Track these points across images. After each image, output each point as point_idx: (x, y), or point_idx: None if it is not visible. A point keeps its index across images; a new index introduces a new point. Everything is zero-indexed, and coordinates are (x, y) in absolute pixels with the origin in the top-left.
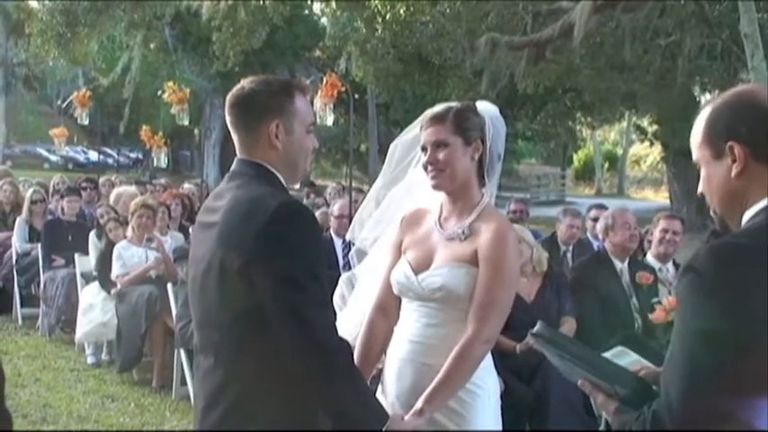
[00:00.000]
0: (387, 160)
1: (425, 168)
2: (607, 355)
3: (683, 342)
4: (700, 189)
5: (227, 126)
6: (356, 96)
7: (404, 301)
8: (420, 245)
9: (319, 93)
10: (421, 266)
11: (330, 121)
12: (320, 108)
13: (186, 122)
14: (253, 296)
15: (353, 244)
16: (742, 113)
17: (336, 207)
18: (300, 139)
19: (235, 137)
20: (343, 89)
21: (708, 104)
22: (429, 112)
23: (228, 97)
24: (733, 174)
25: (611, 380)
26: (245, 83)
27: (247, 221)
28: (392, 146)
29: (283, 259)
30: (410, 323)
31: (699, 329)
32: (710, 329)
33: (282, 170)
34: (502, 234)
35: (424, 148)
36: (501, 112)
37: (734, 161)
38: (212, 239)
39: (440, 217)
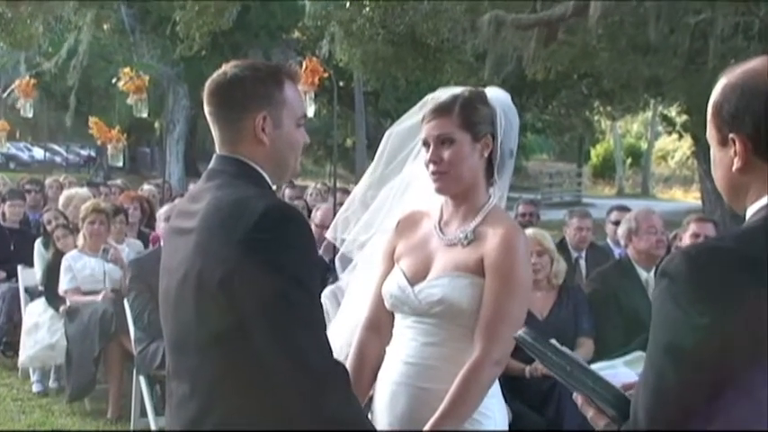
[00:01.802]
0: (378, 153)
1: (427, 166)
2: (626, 359)
3: (652, 358)
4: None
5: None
6: (341, 84)
7: (397, 316)
8: (416, 252)
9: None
10: (417, 276)
11: (311, 112)
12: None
13: (145, 114)
14: (235, 313)
15: (338, 250)
16: (750, 101)
17: (319, 214)
18: (290, 133)
19: (214, 130)
20: (326, 76)
21: (724, 75)
22: (432, 101)
23: (208, 84)
24: (734, 168)
25: (596, 396)
26: (228, 68)
27: (230, 227)
28: (386, 136)
29: (272, 271)
30: (405, 342)
31: (668, 344)
32: (680, 344)
33: (269, 168)
34: (511, 239)
35: (426, 143)
36: None
37: (735, 154)
38: (189, 248)
39: (440, 220)
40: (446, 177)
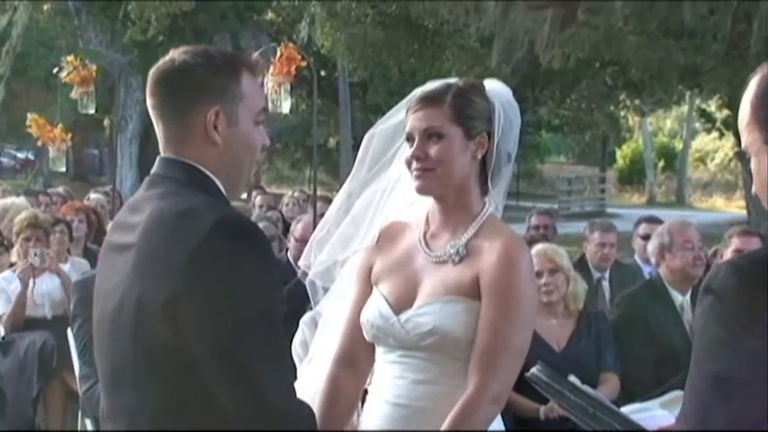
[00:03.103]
0: (359, 158)
1: (409, 164)
2: (662, 400)
3: (695, 391)
4: (753, 188)
5: (148, 115)
6: (322, 74)
7: (380, 349)
8: (398, 272)
9: (271, 69)
10: (402, 302)
11: (286, 107)
12: (273, 90)
13: (92, 111)
14: (181, 345)
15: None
16: None
17: (300, 227)
18: (247, 132)
19: (158, 127)
20: (304, 64)
21: (760, 69)
22: (420, 91)
23: (152, 73)
24: None
25: None
26: (176, 54)
27: (174, 243)
28: (367, 137)
29: (224, 295)
30: (391, 380)
31: (715, 374)
32: (729, 374)
33: (222, 174)
34: (511, 254)
35: (410, 137)
36: (517, 93)
37: None
38: (127, 267)
39: (425, 233)
40: (431, 175)
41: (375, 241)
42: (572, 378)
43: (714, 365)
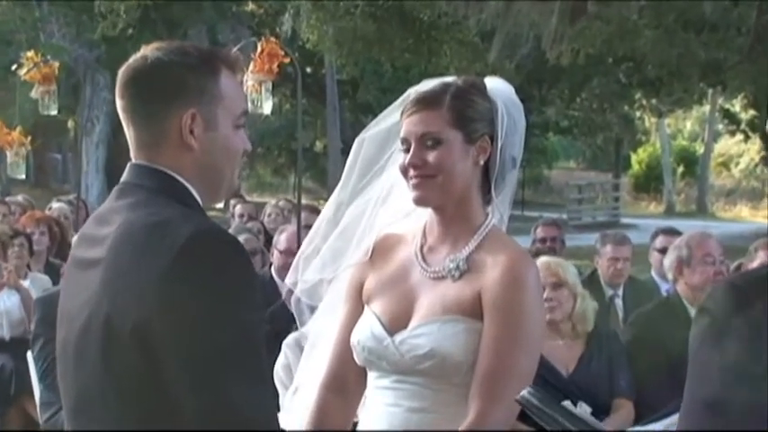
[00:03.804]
0: (348, 164)
1: (404, 173)
2: (667, 422)
3: (688, 418)
4: None
5: (117, 116)
6: (308, 71)
7: (372, 374)
8: (392, 289)
9: (251, 66)
10: (397, 322)
11: (268, 108)
12: (253, 89)
13: (55, 112)
14: (154, 369)
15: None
16: None
17: (283, 238)
18: (226, 137)
19: (129, 131)
20: (288, 60)
21: None
22: (415, 91)
23: (122, 71)
24: None
25: None
26: (149, 51)
27: (146, 258)
28: (357, 142)
29: (200, 315)
30: (384, 408)
31: (708, 399)
32: (724, 400)
33: (198, 182)
34: (517, 270)
35: (405, 143)
36: (521, 92)
37: None
38: (94, 285)
39: (422, 246)
40: (430, 183)
41: (368, 255)
42: (566, 403)
43: (707, 389)
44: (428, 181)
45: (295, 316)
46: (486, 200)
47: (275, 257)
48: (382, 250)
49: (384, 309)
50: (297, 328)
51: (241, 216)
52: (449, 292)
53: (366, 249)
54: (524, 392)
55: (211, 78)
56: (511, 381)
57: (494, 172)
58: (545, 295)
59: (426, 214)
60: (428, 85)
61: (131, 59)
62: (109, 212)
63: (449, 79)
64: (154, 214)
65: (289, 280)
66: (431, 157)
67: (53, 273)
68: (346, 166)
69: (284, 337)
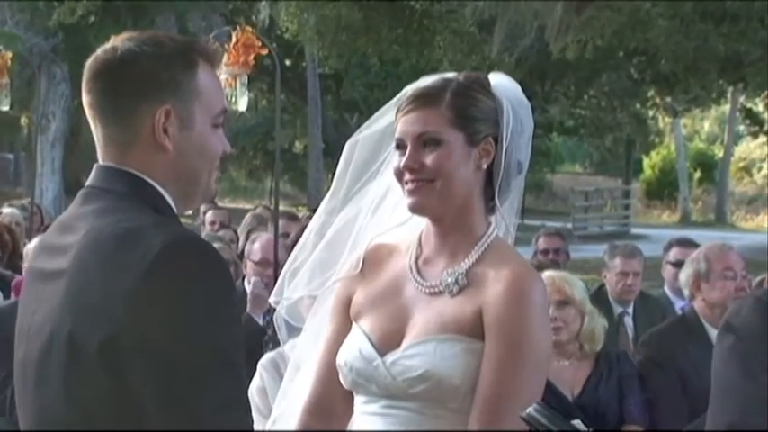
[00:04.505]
0: (339, 170)
1: (399, 177)
2: None
3: None
4: None
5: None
6: (287, 64)
7: (360, 398)
8: (384, 304)
9: (225, 58)
10: (388, 341)
11: (243, 104)
12: (227, 83)
13: (7, 107)
14: (123, 392)
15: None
16: None
17: (257, 247)
18: (203, 136)
19: (96, 129)
20: (265, 52)
21: None
22: (412, 88)
23: (89, 64)
24: None
25: None
26: (119, 42)
27: (115, 270)
28: (348, 145)
29: (174, 332)
30: None
31: (733, 422)
32: (749, 422)
33: (172, 186)
34: (522, 285)
35: (400, 144)
36: (523, 89)
37: None
38: (56, 299)
39: (417, 258)
40: (428, 189)
41: (358, 267)
42: (576, 422)
43: (732, 411)
44: (425, 186)
45: (278, 335)
46: (489, 208)
47: (249, 269)
48: (373, 262)
49: (374, 326)
50: (271, 347)
51: (213, 224)
52: (446, 308)
53: (355, 261)
54: (530, 409)
55: (188, 72)
56: (514, 407)
57: (498, 177)
58: (549, 314)
59: (422, 223)
60: (427, 81)
61: (99, 51)
62: (73, 219)
63: (449, 75)
64: (123, 221)
65: (273, 298)
66: (429, 159)
67: (4, 285)
68: (337, 171)
69: (257, 356)
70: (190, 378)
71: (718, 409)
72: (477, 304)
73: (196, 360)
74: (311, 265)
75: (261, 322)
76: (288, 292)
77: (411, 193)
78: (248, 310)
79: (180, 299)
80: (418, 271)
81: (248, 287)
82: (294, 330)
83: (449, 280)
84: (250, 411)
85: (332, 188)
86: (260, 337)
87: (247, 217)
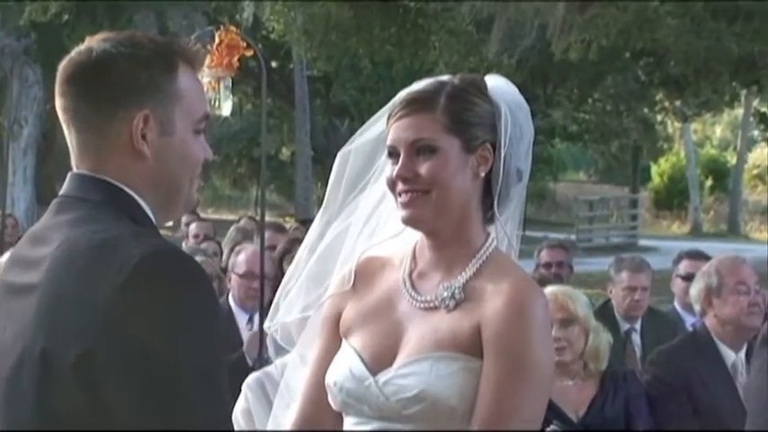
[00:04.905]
0: (332, 182)
1: (392, 187)
2: None
3: None
4: None
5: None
6: (273, 65)
7: (350, 420)
8: (376, 320)
9: (208, 60)
10: (381, 359)
11: (227, 108)
12: (210, 87)
13: None
14: (99, 409)
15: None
16: None
17: (242, 259)
18: (184, 143)
19: (70, 135)
20: (250, 53)
21: None
22: (405, 92)
23: (64, 66)
24: None
25: None
26: (95, 43)
27: (90, 283)
28: (341, 155)
29: (153, 349)
30: None
31: None
32: None
33: (151, 196)
34: (523, 299)
35: (393, 152)
36: (522, 91)
37: None
38: (29, 314)
39: (411, 272)
40: (423, 200)
41: (350, 283)
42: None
43: None
44: (420, 198)
45: (269, 354)
46: (488, 218)
47: (234, 284)
48: (364, 276)
49: (366, 343)
50: (258, 366)
51: (196, 236)
52: (442, 324)
53: (346, 275)
54: (552, 427)
55: (167, 75)
56: (515, 429)
57: (497, 186)
58: (553, 334)
59: (417, 234)
60: (421, 85)
61: (74, 52)
62: (46, 230)
63: (444, 78)
64: (99, 232)
65: (267, 323)
66: (423, 168)
67: None
68: (329, 183)
69: (241, 377)
70: (168, 395)
71: (762, 424)
72: (475, 320)
73: (175, 377)
74: (303, 283)
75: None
76: (281, 316)
77: (405, 205)
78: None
79: (158, 313)
80: (412, 285)
81: (233, 304)
82: (282, 349)
83: (445, 294)
84: (230, 426)
85: (325, 201)
86: (245, 357)
87: (231, 231)
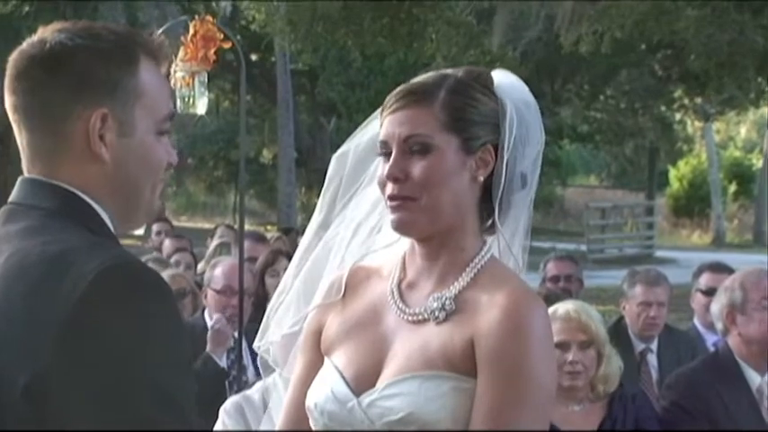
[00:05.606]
0: (325, 187)
1: (383, 187)
2: None
3: None
4: None
5: (4, 119)
6: (253, 59)
7: None
8: (360, 336)
9: (181, 53)
10: (365, 378)
11: (202, 107)
12: (183, 82)
13: None
14: None
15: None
16: None
17: (219, 273)
18: (145, 144)
19: (21, 136)
20: (228, 45)
21: None
22: (403, 86)
23: (14, 59)
24: None
25: None
26: (49, 34)
27: (43, 299)
28: (336, 158)
29: (111, 373)
30: None
31: None
32: None
33: (110, 202)
34: (520, 311)
35: (384, 147)
36: (529, 88)
37: None
38: None
39: (400, 282)
40: (413, 207)
41: (340, 293)
42: None
43: None
44: (411, 204)
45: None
46: (487, 228)
47: (210, 299)
48: (351, 286)
49: (348, 361)
50: (236, 390)
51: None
52: (432, 339)
53: (333, 284)
54: None
55: (128, 70)
56: None
57: (497, 191)
58: (569, 357)
59: (406, 244)
60: (421, 79)
61: (25, 44)
62: None
63: (448, 71)
64: (52, 243)
65: (256, 343)
66: (416, 167)
67: None
68: (324, 188)
69: (218, 402)
70: (127, 421)
71: None
72: (468, 334)
73: (138, 405)
74: (293, 298)
75: (223, 363)
76: (271, 335)
77: (395, 209)
78: (208, 349)
79: (117, 333)
80: (401, 296)
81: (209, 322)
82: (266, 369)
83: (434, 305)
84: None
85: (318, 209)
86: (222, 379)
87: (211, 249)
